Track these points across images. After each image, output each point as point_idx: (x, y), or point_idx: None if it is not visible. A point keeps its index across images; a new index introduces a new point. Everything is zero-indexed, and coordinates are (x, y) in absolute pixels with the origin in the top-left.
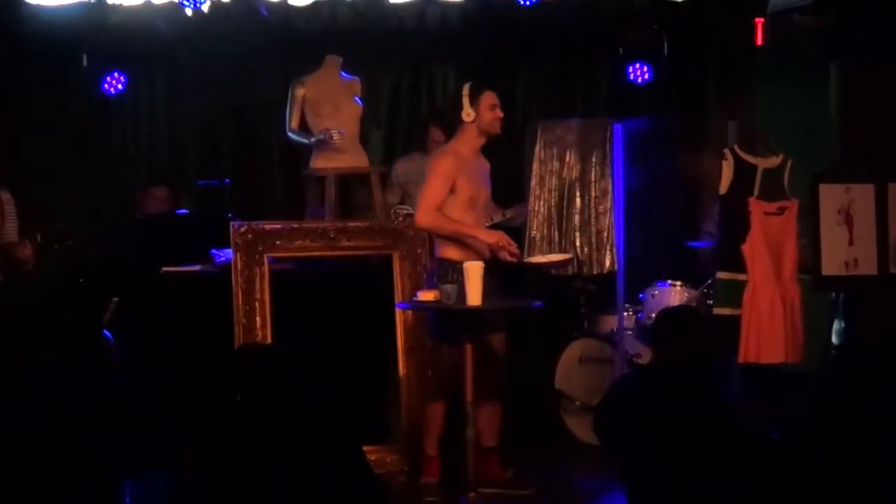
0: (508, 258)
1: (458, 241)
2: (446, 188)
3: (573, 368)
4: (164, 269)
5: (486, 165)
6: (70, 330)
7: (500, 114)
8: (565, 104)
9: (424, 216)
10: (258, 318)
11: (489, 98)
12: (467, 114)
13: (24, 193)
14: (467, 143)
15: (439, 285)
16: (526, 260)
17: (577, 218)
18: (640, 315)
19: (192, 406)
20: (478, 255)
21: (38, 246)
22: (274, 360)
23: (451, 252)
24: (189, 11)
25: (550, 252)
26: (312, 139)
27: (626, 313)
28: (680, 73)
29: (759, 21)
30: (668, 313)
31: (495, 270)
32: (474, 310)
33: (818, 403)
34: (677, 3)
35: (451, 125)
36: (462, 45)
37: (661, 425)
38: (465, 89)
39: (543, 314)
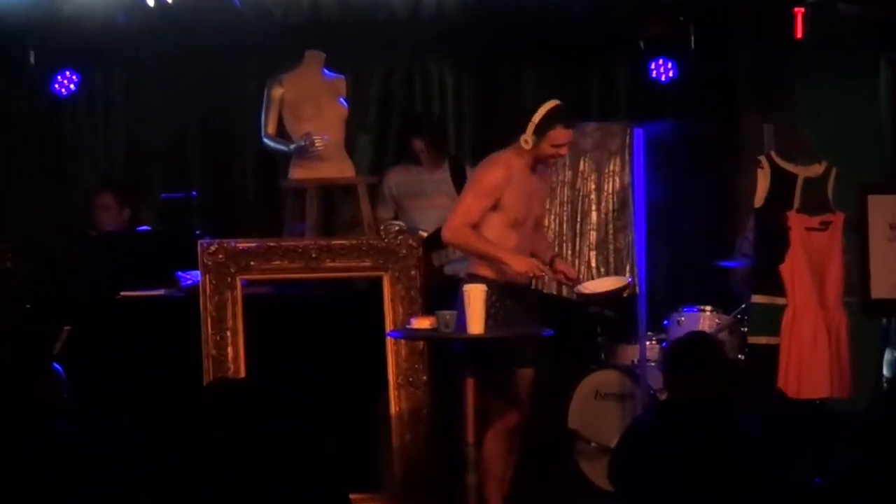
0: (559, 280)
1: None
2: (487, 203)
3: (589, 405)
4: (123, 293)
5: (545, 185)
6: (13, 365)
7: (563, 153)
8: (578, 106)
9: (454, 231)
10: (230, 350)
11: (559, 136)
12: (525, 140)
13: None
14: (522, 158)
15: (436, 311)
16: (577, 289)
17: (592, 235)
18: (664, 344)
19: (155, 451)
20: (516, 277)
21: None
22: (248, 398)
23: (484, 270)
24: (151, 2)
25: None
26: (291, 146)
27: (648, 342)
28: (708, 71)
29: (799, 11)
30: (680, 344)
31: (533, 297)
32: (475, 339)
33: (868, 445)
34: None
35: (438, 137)
36: (461, 39)
37: (684, 469)
38: (536, 117)
39: (555, 343)
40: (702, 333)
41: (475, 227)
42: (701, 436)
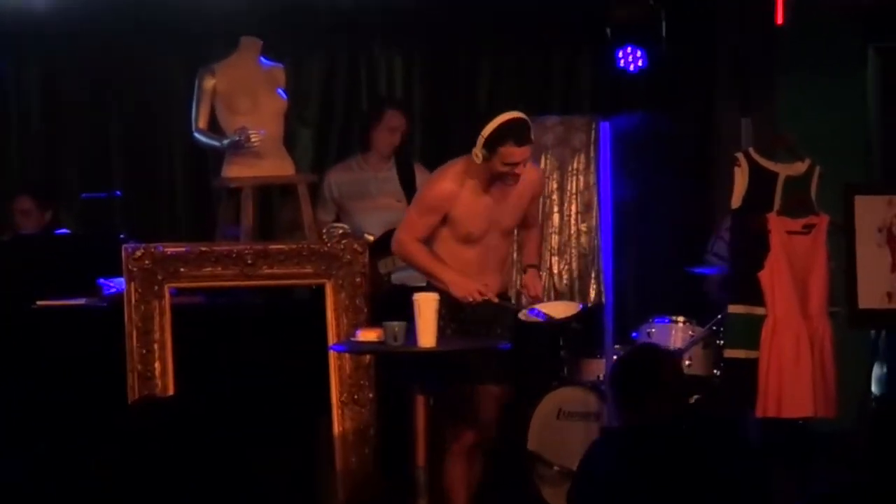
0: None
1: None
2: (431, 219)
3: (550, 425)
4: (39, 302)
5: (513, 193)
6: None
7: (516, 172)
8: (539, 97)
9: (399, 245)
10: (157, 365)
11: (510, 154)
12: (476, 154)
13: None
14: (475, 170)
15: (384, 323)
16: (521, 315)
17: (554, 238)
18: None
19: (72, 477)
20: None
21: None
22: (177, 417)
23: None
24: None
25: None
26: (225, 141)
27: (615, 356)
28: (681, 60)
29: None
30: (629, 361)
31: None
32: (426, 353)
33: (855, 467)
34: None
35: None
36: (411, 25)
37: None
38: (487, 130)
39: (512, 358)
40: (651, 347)
41: (424, 240)
42: (660, 467)
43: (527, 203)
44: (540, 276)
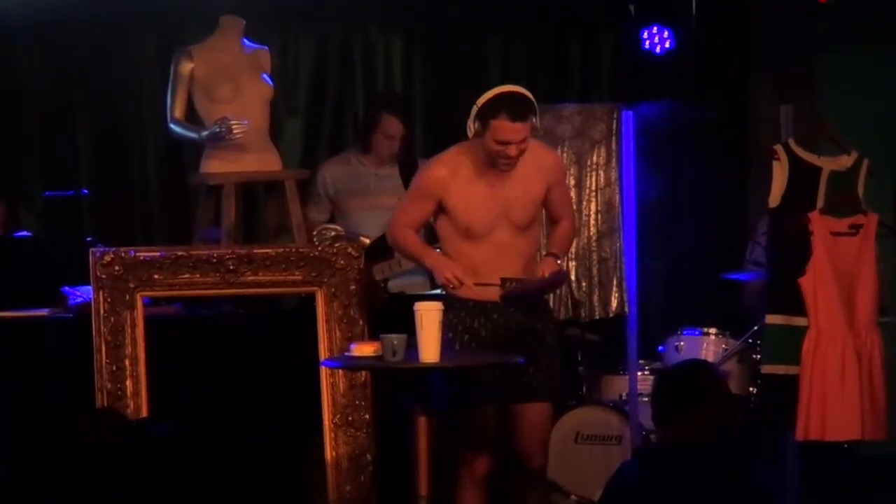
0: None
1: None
2: (425, 206)
3: (568, 449)
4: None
5: (523, 183)
6: None
7: (510, 153)
8: (556, 84)
9: (390, 231)
10: (129, 383)
11: (501, 129)
12: (469, 126)
13: None
14: (471, 154)
15: (382, 335)
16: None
17: None
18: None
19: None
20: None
21: None
22: (147, 443)
23: (461, 287)
24: None
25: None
26: (204, 133)
27: (640, 373)
28: (713, 41)
29: None
30: (674, 375)
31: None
32: (429, 369)
33: None
34: None
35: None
36: (412, 3)
37: None
38: (482, 99)
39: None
40: (699, 362)
41: (418, 230)
42: (699, 490)
43: (540, 192)
44: (558, 265)
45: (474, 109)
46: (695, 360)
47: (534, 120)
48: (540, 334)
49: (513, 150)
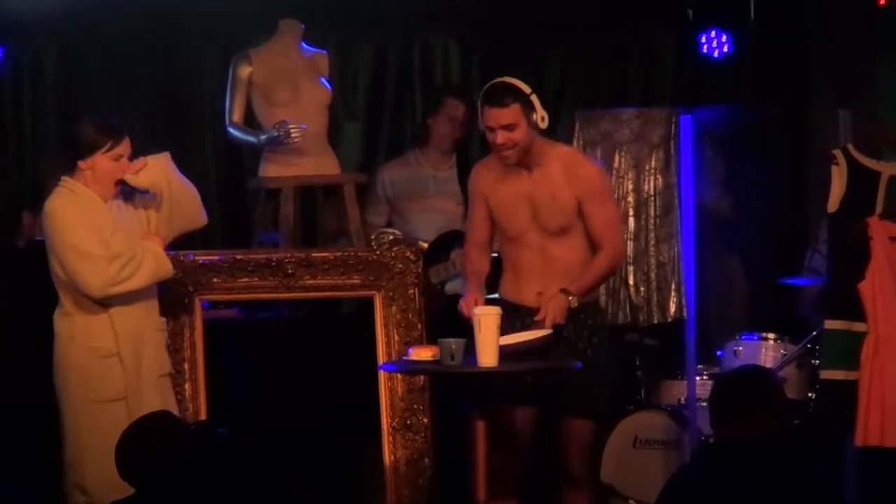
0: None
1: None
2: (476, 213)
3: (625, 454)
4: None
5: (551, 189)
6: None
7: (496, 139)
8: (614, 88)
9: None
10: (188, 386)
11: (485, 117)
12: (480, 123)
13: None
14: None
15: (440, 339)
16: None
17: (630, 246)
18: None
19: None
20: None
21: None
22: (210, 445)
23: (507, 289)
24: None
25: None
26: (262, 137)
27: (698, 378)
28: (771, 45)
29: None
30: (731, 380)
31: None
32: (487, 373)
33: None
34: None
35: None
36: (470, 7)
37: None
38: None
39: (601, 385)
40: (756, 367)
41: (485, 241)
42: (759, 490)
43: (569, 201)
44: (562, 305)
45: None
46: (752, 366)
47: (521, 108)
48: (574, 346)
49: (499, 137)
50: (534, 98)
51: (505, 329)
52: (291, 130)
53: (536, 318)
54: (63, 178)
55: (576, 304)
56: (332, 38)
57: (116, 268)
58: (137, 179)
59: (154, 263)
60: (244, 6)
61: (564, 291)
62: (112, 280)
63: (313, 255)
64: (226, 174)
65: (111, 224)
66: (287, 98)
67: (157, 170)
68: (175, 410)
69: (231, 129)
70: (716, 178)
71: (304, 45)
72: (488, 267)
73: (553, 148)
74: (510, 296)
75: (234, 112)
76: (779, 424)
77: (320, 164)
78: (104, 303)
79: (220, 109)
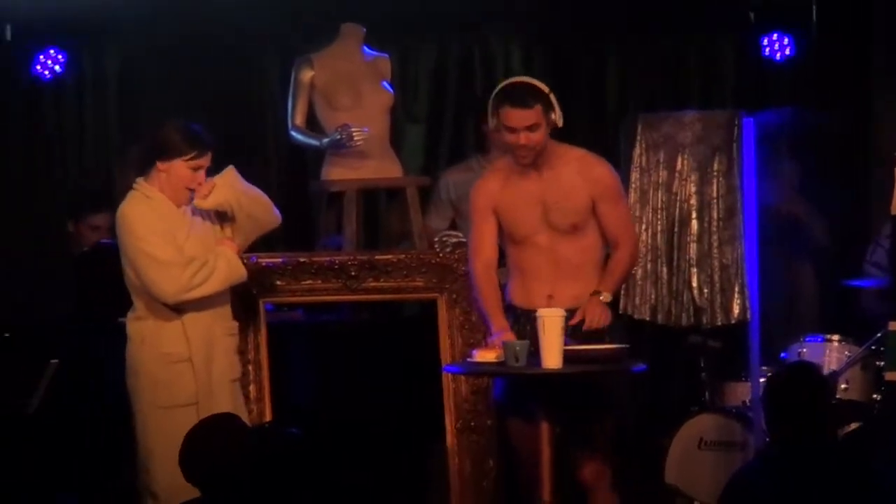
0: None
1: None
2: (485, 225)
3: (690, 456)
4: (122, 318)
5: (564, 189)
6: None
7: (518, 140)
8: (676, 91)
9: (470, 265)
10: (252, 388)
11: (507, 116)
12: (490, 122)
13: None
14: (513, 161)
15: (504, 342)
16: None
17: (693, 248)
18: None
19: None
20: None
21: None
22: (277, 446)
23: (515, 294)
24: None
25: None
26: (325, 140)
27: (762, 379)
28: (834, 47)
29: None
30: (780, 379)
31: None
32: (551, 375)
33: None
34: None
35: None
36: (531, 12)
37: None
38: (493, 94)
39: (648, 381)
40: (805, 366)
41: (491, 255)
42: (822, 489)
43: (583, 202)
44: (603, 306)
45: (489, 105)
46: (799, 363)
47: (543, 109)
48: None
49: (521, 138)
50: (552, 97)
51: (519, 335)
52: (354, 134)
53: (571, 323)
54: (138, 180)
55: (608, 300)
56: (394, 42)
57: (190, 273)
58: (206, 203)
59: (227, 268)
60: (305, 10)
61: (597, 293)
62: (185, 286)
63: (376, 257)
64: (288, 178)
65: (185, 229)
66: (349, 102)
67: (226, 189)
68: (244, 415)
69: (293, 133)
70: (789, 182)
71: (365, 48)
72: (498, 289)
73: (564, 149)
74: (519, 301)
75: (297, 116)
76: (831, 419)
77: (383, 167)
78: (177, 308)
79: (282, 113)
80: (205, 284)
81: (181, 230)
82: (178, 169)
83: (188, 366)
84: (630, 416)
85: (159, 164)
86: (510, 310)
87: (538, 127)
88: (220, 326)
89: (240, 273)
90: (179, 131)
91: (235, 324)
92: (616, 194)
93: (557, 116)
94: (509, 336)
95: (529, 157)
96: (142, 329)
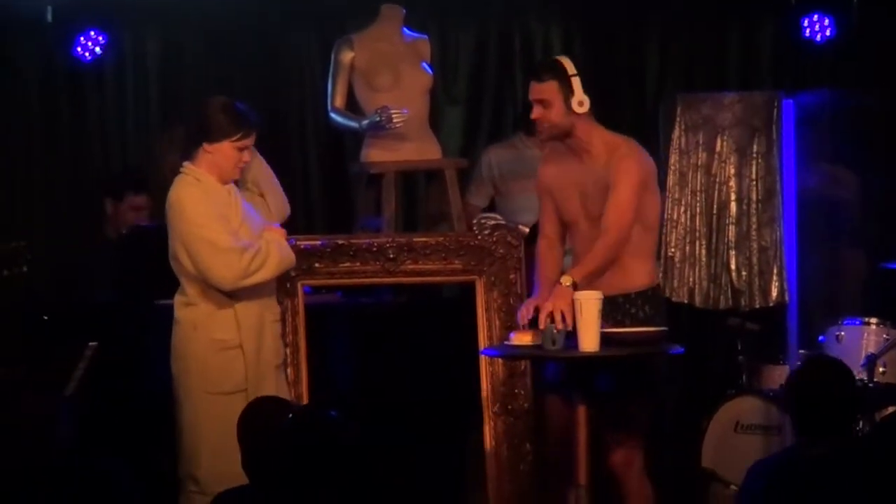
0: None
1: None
2: (546, 205)
3: (727, 439)
4: (161, 300)
5: (596, 172)
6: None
7: (532, 114)
8: (715, 72)
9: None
10: (290, 371)
11: (529, 90)
12: None
13: None
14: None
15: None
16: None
17: (731, 230)
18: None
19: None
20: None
21: None
22: (315, 428)
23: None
24: None
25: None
26: (364, 122)
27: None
28: (875, 27)
29: None
30: (807, 372)
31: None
32: (588, 358)
33: None
34: None
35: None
36: None
37: None
38: None
39: (685, 364)
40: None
41: (554, 238)
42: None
43: (602, 188)
44: (561, 293)
45: None
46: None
47: (559, 86)
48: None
49: (534, 112)
50: (575, 80)
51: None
52: (393, 115)
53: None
54: (184, 164)
55: (569, 282)
56: (434, 23)
57: (247, 260)
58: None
59: (279, 254)
60: None
61: (566, 277)
62: (243, 272)
63: (415, 240)
64: (327, 159)
65: (238, 212)
66: (389, 83)
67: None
68: (288, 399)
69: (333, 115)
70: (829, 164)
71: (405, 29)
72: (560, 265)
73: (607, 136)
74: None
75: (336, 97)
76: (854, 413)
77: (422, 149)
78: (231, 294)
79: (321, 95)
80: (260, 271)
81: (235, 215)
82: (226, 150)
83: (239, 352)
84: (669, 400)
85: (206, 146)
86: None
87: (550, 104)
88: (268, 312)
89: (291, 259)
90: (225, 112)
91: (279, 309)
92: (626, 182)
93: (577, 101)
94: (530, 305)
95: (544, 133)
96: (193, 315)
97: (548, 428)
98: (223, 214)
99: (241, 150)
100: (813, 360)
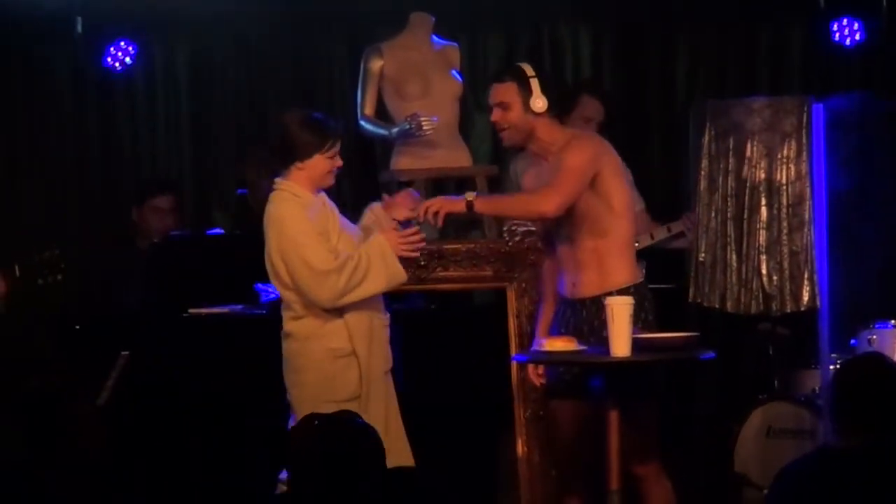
0: None
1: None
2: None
3: (759, 444)
4: (192, 310)
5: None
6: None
7: (491, 117)
8: (744, 77)
9: None
10: None
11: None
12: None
13: None
14: None
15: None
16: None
17: (762, 235)
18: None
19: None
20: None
21: (16, 281)
22: (348, 436)
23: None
24: None
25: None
26: (394, 129)
27: (832, 366)
28: None
29: None
30: (849, 373)
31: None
32: (620, 363)
33: None
34: None
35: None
36: None
37: None
38: None
39: (716, 368)
40: (876, 357)
41: (545, 237)
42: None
43: None
44: (449, 201)
45: None
46: (868, 355)
47: (518, 88)
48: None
49: (493, 115)
50: (534, 81)
51: (562, 322)
52: (423, 123)
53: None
54: (278, 180)
55: (471, 198)
56: (463, 31)
57: (345, 278)
58: None
59: (384, 270)
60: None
61: (471, 193)
62: (341, 292)
63: (445, 247)
64: (358, 167)
65: (336, 225)
66: (418, 91)
67: None
68: (395, 405)
69: (363, 123)
70: (859, 168)
71: (434, 37)
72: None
73: (564, 133)
74: (560, 289)
75: (366, 105)
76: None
77: (452, 157)
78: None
79: (351, 104)
80: (361, 287)
81: (333, 228)
82: (318, 163)
83: (353, 359)
84: (700, 404)
85: (298, 164)
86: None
87: (509, 106)
88: (377, 318)
89: (398, 274)
90: (308, 127)
91: (388, 314)
92: (570, 154)
93: (536, 100)
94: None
95: (506, 139)
96: (305, 327)
97: (554, 434)
98: (323, 230)
99: (331, 157)
100: (860, 356)
